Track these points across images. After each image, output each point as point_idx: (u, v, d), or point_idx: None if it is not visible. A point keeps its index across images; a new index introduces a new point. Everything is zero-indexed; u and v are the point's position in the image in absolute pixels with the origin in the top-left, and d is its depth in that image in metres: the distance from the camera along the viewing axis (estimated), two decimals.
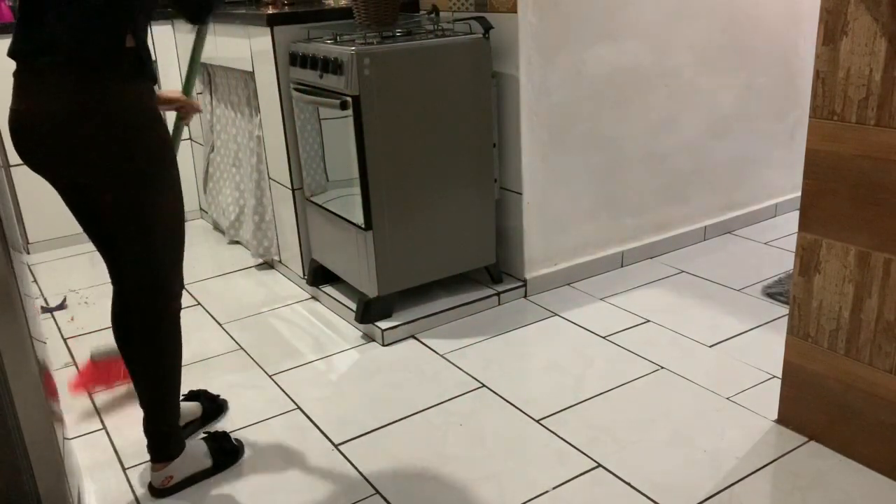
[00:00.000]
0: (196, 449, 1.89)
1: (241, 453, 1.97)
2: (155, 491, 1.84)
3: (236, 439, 2.00)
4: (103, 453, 2.03)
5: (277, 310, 2.84)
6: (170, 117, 1.99)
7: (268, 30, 2.65)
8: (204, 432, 1.96)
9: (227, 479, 1.89)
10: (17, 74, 1.55)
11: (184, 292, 1.80)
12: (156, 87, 1.73)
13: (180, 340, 1.80)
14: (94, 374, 2.30)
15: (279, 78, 2.68)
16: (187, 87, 2.09)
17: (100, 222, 1.68)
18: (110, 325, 1.82)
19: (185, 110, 2.05)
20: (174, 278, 1.75)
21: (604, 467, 1.85)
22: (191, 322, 2.74)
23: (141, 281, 1.71)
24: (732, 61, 3.08)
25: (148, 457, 1.86)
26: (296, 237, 2.90)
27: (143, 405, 1.79)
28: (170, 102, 2.02)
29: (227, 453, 1.94)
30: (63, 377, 2.42)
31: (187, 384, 2.33)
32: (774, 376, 2.17)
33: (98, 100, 1.52)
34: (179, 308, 1.78)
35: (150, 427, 1.81)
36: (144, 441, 1.86)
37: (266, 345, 2.57)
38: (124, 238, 1.66)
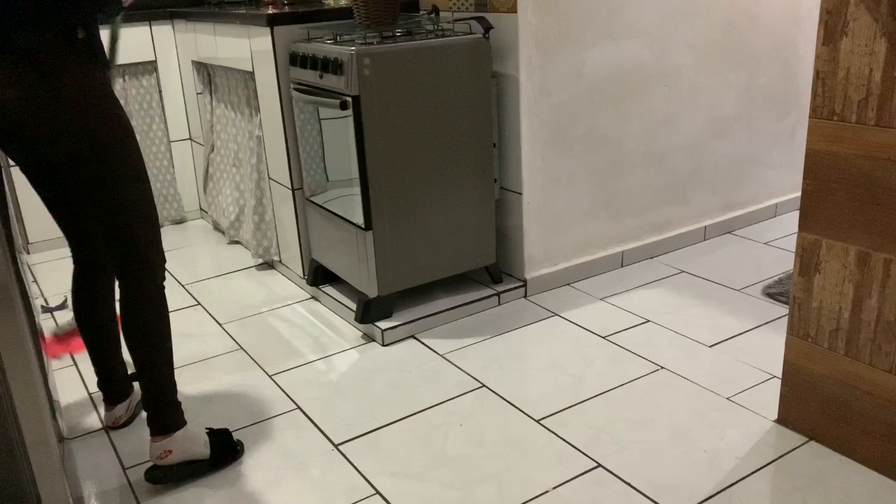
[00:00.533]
0: (196, 433, 1.92)
1: (240, 453, 1.98)
2: (151, 471, 1.86)
3: (238, 440, 2.00)
4: (103, 453, 2.03)
5: (277, 310, 2.84)
6: None
7: (268, 30, 2.65)
8: (207, 429, 1.98)
9: (228, 479, 1.89)
10: None
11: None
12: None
13: (168, 312, 1.86)
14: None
15: (279, 78, 2.68)
16: None
17: (77, 202, 1.82)
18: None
19: None
20: (155, 252, 1.83)
21: (604, 467, 1.85)
22: (191, 322, 2.74)
23: (124, 259, 1.79)
24: (732, 61, 3.08)
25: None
26: (296, 237, 2.90)
27: (139, 379, 1.85)
28: None
29: (225, 449, 1.96)
30: (63, 377, 2.42)
31: (188, 384, 2.33)
32: (774, 376, 2.17)
33: (57, 86, 1.62)
34: (163, 279, 1.85)
35: (148, 398, 1.85)
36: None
37: (266, 345, 2.57)
38: (100, 212, 1.76)
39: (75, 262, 1.98)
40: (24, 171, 1.84)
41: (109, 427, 2.13)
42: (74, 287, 2.00)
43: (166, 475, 1.86)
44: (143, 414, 2.02)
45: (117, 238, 1.77)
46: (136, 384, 2.17)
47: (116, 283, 1.85)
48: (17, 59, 1.60)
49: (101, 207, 1.74)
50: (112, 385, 2.11)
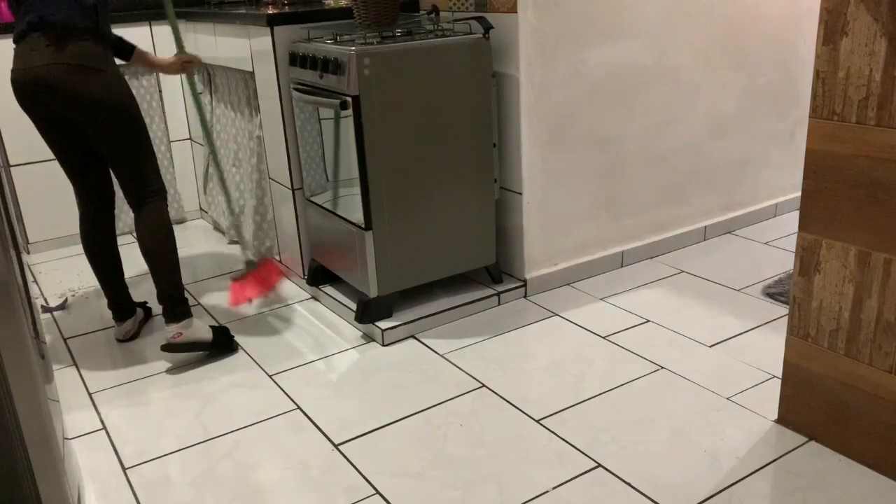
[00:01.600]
0: (201, 325, 2.45)
1: (235, 346, 2.52)
2: (166, 346, 2.37)
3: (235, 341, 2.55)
4: (103, 453, 2.03)
5: (277, 310, 2.84)
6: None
7: (268, 30, 2.65)
8: (210, 326, 2.48)
9: (228, 480, 1.89)
10: (19, 46, 2.20)
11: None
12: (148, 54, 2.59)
13: (172, 225, 2.42)
14: (242, 289, 2.85)
15: (279, 78, 2.68)
16: (179, 45, 2.64)
17: (108, 149, 2.31)
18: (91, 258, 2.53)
19: (186, 65, 2.64)
20: (160, 182, 2.41)
21: (604, 467, 1.85)
22: None
23: (141, 189, 2.36)
24: (732, 61, 3.08)
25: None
26: (296, 237, 2.90)
27: (155, 280, 2.37)
28: (170, 65, 2.62)
29: (224, 336, 2.49)
30: (63, 377, 2.42)
31: (188, 384, 2.34)
32: (774, 376, 2.17)
33: (100, 72, 2.21)
34: (167, 204, 2.43)
35: (163, 295, 2.38)
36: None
37: (266, 345, 2.57)
38: (125, 153, 2.32)
39: (83, 205, 2.48)
40: (59, 130, 2.31)
41: (120, 340, 2.61)
42: (85, 228, 2.49)
43: (178, 348, 2.39)
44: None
45: (135, 172, 2.34)
46: (138, 309, 2.69)
47: (131, 216, 2.43)
48: (76, 55, 2.17)
49: (125, 150, 2.31)
50: (121, 304, 2.61)
